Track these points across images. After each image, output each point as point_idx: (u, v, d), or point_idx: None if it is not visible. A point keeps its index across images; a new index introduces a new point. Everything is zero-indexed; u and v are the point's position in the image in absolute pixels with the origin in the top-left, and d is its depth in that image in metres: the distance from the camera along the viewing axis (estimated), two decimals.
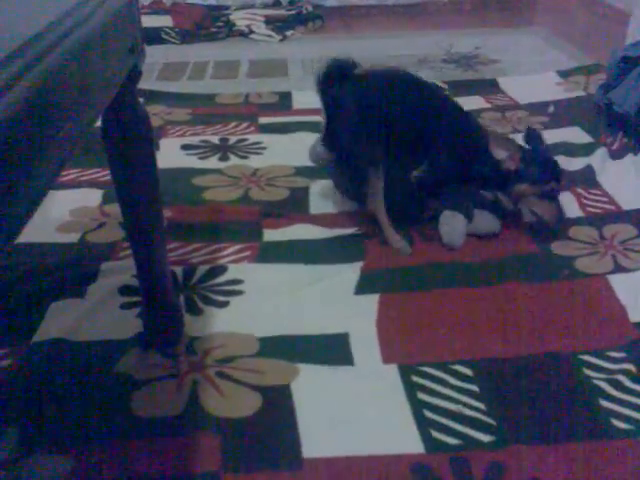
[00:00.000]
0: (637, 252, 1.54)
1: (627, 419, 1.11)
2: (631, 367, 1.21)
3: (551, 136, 2.03)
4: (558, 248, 1.57)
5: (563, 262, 1.52)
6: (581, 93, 2.48)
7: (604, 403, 1.14)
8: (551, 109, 2.32)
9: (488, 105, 2.38)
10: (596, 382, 1.18)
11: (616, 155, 1.94)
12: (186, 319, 1.32)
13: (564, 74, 2.66)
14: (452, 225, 1.57)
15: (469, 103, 2.39)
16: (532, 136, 1.63)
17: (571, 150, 1.98)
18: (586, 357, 1.24)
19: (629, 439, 1.08)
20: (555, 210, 1.55)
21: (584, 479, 1.02)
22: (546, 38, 3.23)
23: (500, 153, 1.54)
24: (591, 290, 1.43)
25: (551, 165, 1.59)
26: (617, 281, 1.44)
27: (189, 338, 1.28)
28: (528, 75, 2.64)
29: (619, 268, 1.49)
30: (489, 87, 2.53)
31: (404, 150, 1.61)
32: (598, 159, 1.93)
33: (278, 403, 1.15)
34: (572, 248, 1.57)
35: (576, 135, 2.13)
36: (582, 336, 1.30)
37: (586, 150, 2.00)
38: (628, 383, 1.18)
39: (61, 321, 1.32)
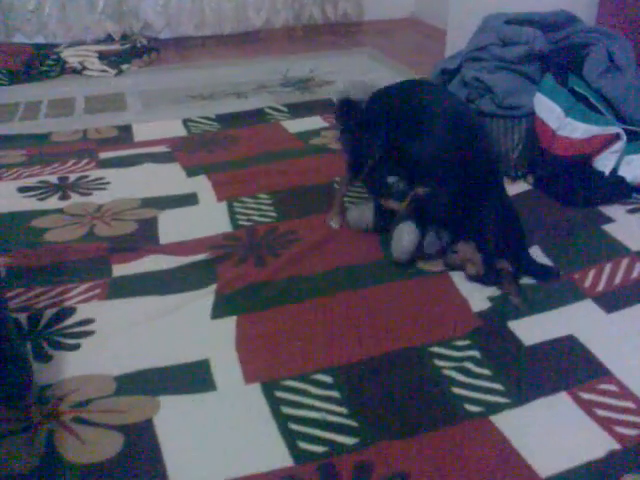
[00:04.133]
0: None
1: (477, 402, 1.19)
2: (476, 353, 1.30)
3: None
4: None
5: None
6: None
7: (456, 390, 1.22)
8: None
9: (327, 124, 2.46)
10: (447, 372, 1.26)
11: None
12: (35, 367, 1.25)
13: None
14: (411, 239, 1.58)
15: (310, 123, 2.48)
16: None
17: None
18: (435, 349, 1.31)
19: (481, 419, 1.15)
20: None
21: (447, 463, 1.07)
22: (375, 57, 3.40)
23: None
24: (435, 286, 1.52)
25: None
26: (458, 276, 1.54)
27: (39, 387, 1.22)
28: None
29: None
30: (326, 107, 2.61)
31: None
32: None
33: (141, 440, 1.12)
34: None
35: None
36: (430, 329, 1.37)
37: None
38: (474, 368, 1.26)
39: None
